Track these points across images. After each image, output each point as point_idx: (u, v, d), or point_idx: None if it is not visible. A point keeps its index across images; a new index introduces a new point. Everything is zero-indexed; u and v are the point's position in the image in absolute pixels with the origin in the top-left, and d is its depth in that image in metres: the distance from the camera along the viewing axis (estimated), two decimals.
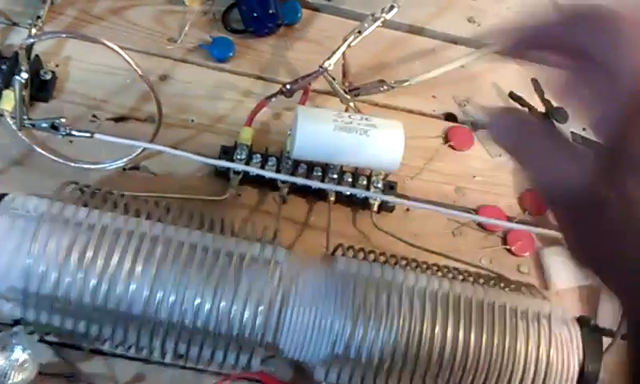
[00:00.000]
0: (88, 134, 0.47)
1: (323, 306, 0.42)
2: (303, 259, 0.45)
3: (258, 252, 0.42)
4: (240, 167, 0.53)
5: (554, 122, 0.60)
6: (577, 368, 0.44)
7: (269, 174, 0.52)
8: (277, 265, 0.42)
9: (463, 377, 0.42)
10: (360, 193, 0.54)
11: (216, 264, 0.41)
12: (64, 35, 0.60)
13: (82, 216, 0.41)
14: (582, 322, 0.46)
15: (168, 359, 0.44)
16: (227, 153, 0.56)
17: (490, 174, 0.61)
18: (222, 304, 0.40)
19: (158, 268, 0.40)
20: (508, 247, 0.57)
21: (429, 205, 0.54)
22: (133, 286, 0.40)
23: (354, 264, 0.44)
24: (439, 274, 0.47)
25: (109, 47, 0.49)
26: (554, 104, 0.62)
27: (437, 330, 0.42)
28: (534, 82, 0.64)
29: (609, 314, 0.54)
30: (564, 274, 0.56)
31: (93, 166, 0.53)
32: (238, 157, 0.55)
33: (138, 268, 0.40)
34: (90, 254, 0.40)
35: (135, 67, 0.50)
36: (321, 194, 0.55)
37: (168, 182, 0.55)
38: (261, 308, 0.41)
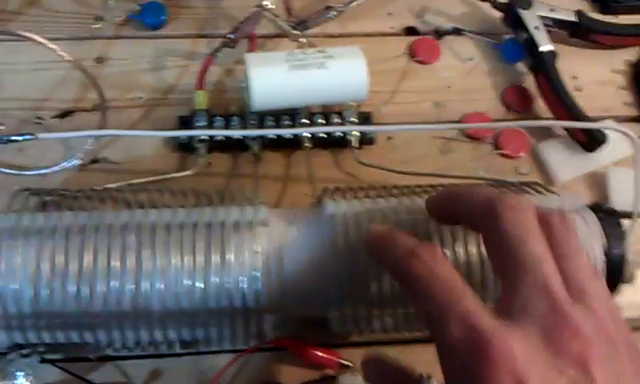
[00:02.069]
0: (30, 136, 0.43)
1: (321, 253, 0.38)
2: (288, 212, 0.41)
3: (238, 216, 0.38)
4: (205, 133, 0.49)
5: (519, 9, 0.57)
6: (601, 255, 0.41)
7: (237, 133, 0.48)
8: (262, 224, 0.38)
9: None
10: (336, 130, 0.51)
11: (198, 239, 0.37)
12: None
13: (42, 221, 0.37)
14: (596, 208, 0.43)
15: (177, 349, 0.40)
16: (186, 123, 0.51)
17: (465, 81, 0.58)
18: (215, 280, 0.36)
19: (138, 257, 0.36)
20: (502, 151, 0.54)
21: (412, 125, 0.51)
22: (115, 283, 0.36)
23: (343, 204, 0.40)
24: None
25: (32, 39, 0.44)
26: None
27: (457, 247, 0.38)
28: None
29: (621, 196, 0.52)
30: (566, 164, 0.53)
31: (48, 170, 0.49)
32: (198, 124, 0.51)
33: (116, 263, 0.36)
34: (60, 259, 0.36)
35: (63, 53, 0.45)
36: (297, 144, 0.51)
37: (132, 168, 0.51)
38: (256, 273, 0.37)
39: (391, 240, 0.34)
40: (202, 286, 0.36)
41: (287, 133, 0.50)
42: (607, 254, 0.41)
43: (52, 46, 0.43)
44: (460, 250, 0.38)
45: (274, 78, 0.48)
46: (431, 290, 0.29)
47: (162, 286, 0.36)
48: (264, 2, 0.52)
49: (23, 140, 0.43)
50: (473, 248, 0.38)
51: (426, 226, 0.38)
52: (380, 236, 0.35)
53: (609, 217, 0.43)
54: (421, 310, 0.30)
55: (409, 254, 0.31)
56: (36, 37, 0.44)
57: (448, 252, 0.38)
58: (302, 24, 0.55)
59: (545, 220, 0.32)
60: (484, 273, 0.38)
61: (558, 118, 0.55)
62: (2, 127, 0.44)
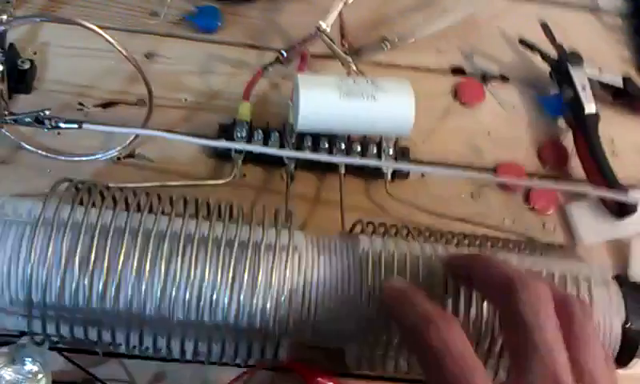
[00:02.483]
0: (76, 125, 0.43)
1: (349, 289, 0.39)
2: (322, 240, 0.41)
3: (273, 238, 0.39)
4: (245, 147, 0.50)
5: (569, 66, 0.57)
6: (619, 329, 0.41)
7: (277, 151, 0.48)
8: (295, 250, 0.39)
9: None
10: (373, 164, 0.51)
11: (230, 255, 0.37)
12: (38, 19, 0.55)
13: (80, 216, 0.37)
14: (621, 280, 0.43)
15: (188, 357, 0.40)
16: (226, 131, 0.52)
17: (505, 129, 0.58)
18: (241, 298, 0.37)
19: (168, 265, 0.36)
20: (531, 206, 0.54)
21: (445, 169, 0.51)
22: (143, 287, 0.36)
23: (378, 241, 0.40)
24: (466, 242, 0.44)
25: (88, 28, 0.45)
26: (567, 48, 0.58)
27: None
28: (544, 26, 0.60)
29: None
30: (593, 228, 0.53)
31: (85, 158, 0.50)
32: (239, 135, 0.51)
33: (146, 267, 0.36)
34: (92, 256, 0.36)
35: (120, 48, 0.46)
36: (330, 167, 0.52)
37: (167, 168, 0.51)
38: (282, 298, 0.37)
39: (408, 301, 0.34)
40: (227, 301, 0.37)
41: (321, 159, 0.50)
42: (625, 328, 0.41)
43: (110, 38, 0.44)
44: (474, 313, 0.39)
45: (324, 104, 0.48)
46: (443, 363, 0.30)
47: (188, 295, 0.37)
48: (322, 24, 0.52)
49: (67, 128, 0.44)
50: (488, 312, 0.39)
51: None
52: (397, 294, 0.36)
53: (632, 291, 0.43)
54: (431, 379, 0.31)
55: (425, 322, 0.32)
56: (94, 27, 0.44)
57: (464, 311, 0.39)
58: (356, 52, 0.55)
59: (564, 303, 0.33)
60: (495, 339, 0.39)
61: (591, 181, 0.55)
62: (49, 111, 0.44)
